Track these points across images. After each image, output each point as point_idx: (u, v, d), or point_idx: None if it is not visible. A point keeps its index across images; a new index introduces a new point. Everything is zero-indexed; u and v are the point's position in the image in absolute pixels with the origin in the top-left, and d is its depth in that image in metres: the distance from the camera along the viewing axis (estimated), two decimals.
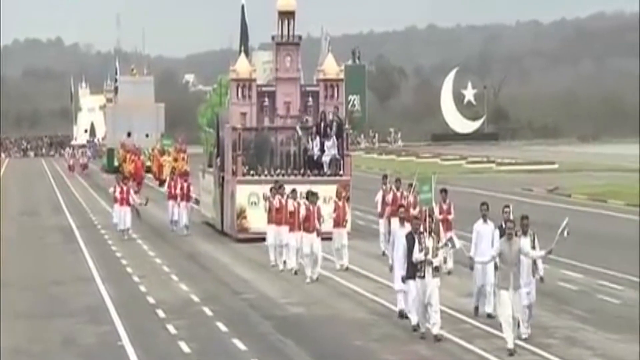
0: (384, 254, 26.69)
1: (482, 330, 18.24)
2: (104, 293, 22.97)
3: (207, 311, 20.50)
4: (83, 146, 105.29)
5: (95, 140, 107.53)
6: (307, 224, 24.13)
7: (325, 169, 32.45)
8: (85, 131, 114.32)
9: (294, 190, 25.82)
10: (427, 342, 17.44)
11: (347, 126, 33.40)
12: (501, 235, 17.23)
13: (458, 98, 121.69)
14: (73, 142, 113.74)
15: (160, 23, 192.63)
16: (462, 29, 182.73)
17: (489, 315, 18.92)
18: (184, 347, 17.31)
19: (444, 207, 24.99)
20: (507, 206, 18.12)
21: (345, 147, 32.80)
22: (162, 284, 24.33)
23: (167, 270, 26.44)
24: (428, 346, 17.22)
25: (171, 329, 18.83)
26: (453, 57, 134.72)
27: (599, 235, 32.59)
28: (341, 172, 32.47)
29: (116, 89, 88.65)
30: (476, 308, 19.50)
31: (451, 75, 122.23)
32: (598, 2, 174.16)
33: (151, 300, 21.90)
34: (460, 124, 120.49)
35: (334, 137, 32.47)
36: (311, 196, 24.48)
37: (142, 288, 23.56)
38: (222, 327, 18.88)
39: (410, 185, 26.17)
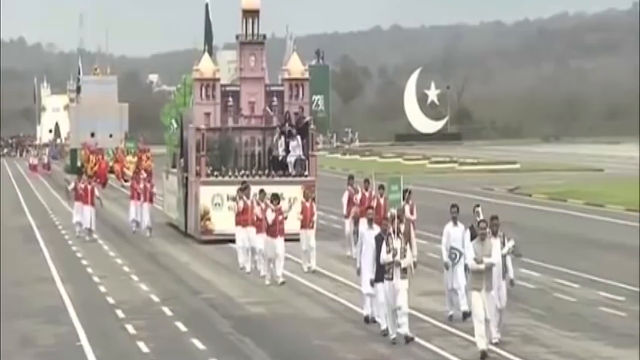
0: (349, 257, 26.48)
1: (440, 329, 18.39)
2: (63, 293, 22.92)
3: (167, 311, 20.51)
4: (46, 146, 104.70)
5: (58, 140, 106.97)
6: (274, 229, 23.55)
7: (290, 169, 32.20)
8: (50, 131, 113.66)
9: (262, 191, 25.13)
10: (386, 340, 17.55)
11: (312, 126, 33.22)
12: (472, 236, 16.83)
13: (421, 98, 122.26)
14: (36, 142, 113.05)
15: (124, 23, 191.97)
16: (426, 29, 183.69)
17: (466, 314, 18.34)
18: (143, 347, 17.32)
19: (407, 207, 25.12)
20: (478, 206, 17.92)
21: (311, 147, 32.64)
22: (122, 284, 24.31)
23: (128, 271, 26.42)
24: (387, 345, 17.32)
25: (130, 329, 18.83)
26: (417, 58, 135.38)
27: (558, 234, 32.92)
28: (306, 173, 32.23)
29: (79, 88, 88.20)
30: (451, 316, 18.88)
31: (415, 76, 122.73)
32: (561, 2, 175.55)
33: (111, 300, 21.89)
34: (424, 124, 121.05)
35: (299, 138, 32.29)
36: (275, 200, 23.91)
37: (102, 288, 23.54)
38: (182, 327, 18.91)
39: (381, 187, 26.28)
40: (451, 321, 18.64)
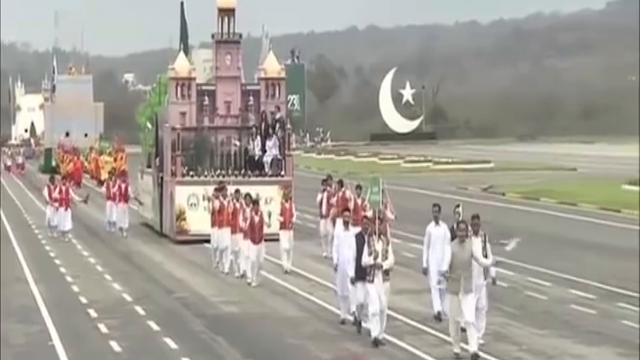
0: (325, 257, 26.38)
1: (413, 327, 18.46)
2: (36, 293, 22.85)
3: (140, 310, 20.49)
4: (20, 146, 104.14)
5: (32, 139, 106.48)
6: (253, 234, 23.09)
7: (267, 169, 32.01)
8: (26, 130, 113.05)
9: (237, 191, 25.05)
10: (360, 338, 17.60)
11: (288, 126, 33.01)
12: (452, 237, 16.65)
13: (397, 98, 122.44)
14: (11, 142, 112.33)
15: (99, 22, 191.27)
16: (402, 29, 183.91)
17: (439, 315, 18.47)
18: (115, 347, 17.30)
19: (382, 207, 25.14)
20: (458, 206, 17.57)
21: (287, 147, 32.45)
22: (95, 283, 24.26)
23: (101, 270, 26.36)
24: (360, 343, 17.38)
25: (103, 328, 18.80)
26: (392, 57, 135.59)
27: (531, 233, 33.05)
28: (283, 173, 32.05)
29: (54, 87, 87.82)
30: (439, 313, 18.54)
31: (390, 75, 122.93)
32: (536, 2, 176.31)
33: (83, 300, 21.84)
34: (399, 124, 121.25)
35: (276, 137, 32.10)
36: (254, 204, 23.46)
37: (75, 288, 23.48)
38: (154, 326, 18.89)
39: (358, 187, 26.26)
40: (440, 321, 18.28)
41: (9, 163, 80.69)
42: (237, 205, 24.30)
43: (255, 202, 23.54)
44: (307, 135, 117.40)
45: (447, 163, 72.42)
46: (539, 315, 19.65)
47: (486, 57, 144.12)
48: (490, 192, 49.71)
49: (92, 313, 20.28)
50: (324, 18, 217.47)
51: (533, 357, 16.28)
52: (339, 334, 18.15)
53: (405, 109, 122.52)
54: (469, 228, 16.14)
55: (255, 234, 23.10)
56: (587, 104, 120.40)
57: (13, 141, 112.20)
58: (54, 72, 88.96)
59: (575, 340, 17.43)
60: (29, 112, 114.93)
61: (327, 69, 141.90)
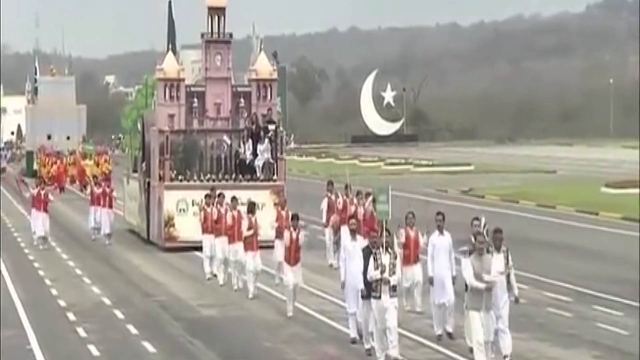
0: (331, 265, 25.72)
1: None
2: (14, 296, 22.83)
3: (118, 314, 20.53)
4: (1, 149, 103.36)
5: (12, 142, 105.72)
6: (251, 241, 22.07)
7: (258, 173, 30.98)
8: (12, 133, 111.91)
9: (234, 198, 23.82)
10: (337, 342, 17.67)
11: (281, 128, 31.81)
12: (471, 251, 15.35)
13: (378, 100, 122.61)
14: None
15: (80, 23, 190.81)
16: (383, 31, 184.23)
17: (450, 335, 17.59)
18: (93, 350, 17.34)
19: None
20: (477, 218, 16.41)
21: (280, 150, 31.35)
22: (74, 287, 24.25)
23: (79, 273, 26.35)
24: (337, 346, 17.47)
25: (81, 332, 18.83)
26: (373, 60, 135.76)
27: (508, 236, 33.16)
28: (275, 177, 30.99)
29: (35, 89, 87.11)
30: (440, 335, 17.61)
31: (371, 77, 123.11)
32: (516, 5, 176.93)
33: (62, 303, 21.85)
34: (380, 126, 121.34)
35: (267, 140, 31.07)
36: (253, 208, 22.31)
37: (54, 291, 23.48)
38: (133, 330, 18.94)
39: (359, 193, 25.49)
40: (440, 341, 17.44)
41: None
42: (235, 213, 23.23)
43: (253, 205, 22.52)
44: (292, 137, 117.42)
45: (427, 165, 72.63)
46: (516, 318, 19.72)
47: (466, 59, 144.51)
48: (469, 195, 49.88)
49: (71, 316, 20.30)
50: (305, 20, 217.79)
51: None
52: (315, 337, 18.23)
53: (386, 111, 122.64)
54: (487, 240, 15.14)
55: (253, 240, 22.06)
56: (565, 106, 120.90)
57: None
58: (35, 73, 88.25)
59: (551, 343, 17.56)
60: (15, 114, 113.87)
61: (308, 71, 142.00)
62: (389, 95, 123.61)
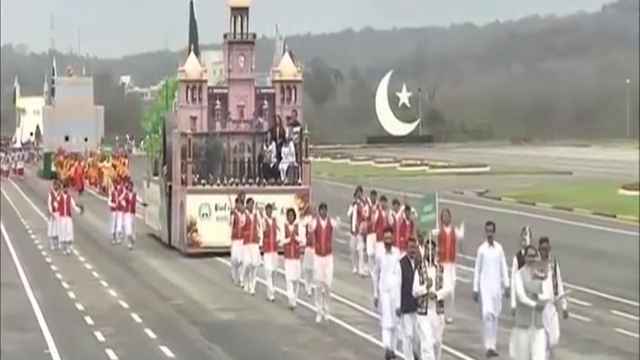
0: (359, 274, 25.35)
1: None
2: (31, 299, 22.87)
3: (136, 317, 20.53)
4: (19, 150, 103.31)
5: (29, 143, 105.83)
6: (289, 249, 21.24)
7: (283, 177, 30.27)
8: (31, 134, 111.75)
9: (269, 206, 22.93)
10: (355, 348, 17.63)
11: (306, 131, 30.85)
12: (520, 264, 14.69)
13: (393, 100, 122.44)
14: (13, 146, 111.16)
15: (95, 24, 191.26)
16: (398, 31, 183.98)
17: (492, 352, 16.60)
18: (111, 355, 17.34)
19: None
20: (525, 231, 15.55)
21: (305, 153, 30.56)
22: (91, 290, 24.27)
23: (97, 276, 26.38)
24: (354, 351, 17.44)
25: (99, 335, 18.84)
26: (388, 60, 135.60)
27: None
28: (300, 181, 30.23)
29: (53, 90, 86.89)
30: (491, 351, 16.53)
31: (386, 78, 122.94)
32: (531, 5, 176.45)
33: (80, 306, 21.87)
34: (395, 127, 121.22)
35: (292, 143, 30.35)
36: (291, 215, 21.53)
37: (72, 294, 23.51)
38: (151, 334, 18.94)
39: (383, 198, 24.89)
40: (492, 357, 16.49)
41: (4, 168, 79.49)
42: (270, 221, 22.36)
43: (291, 212, 21.70)
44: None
45: (443, 167, 72.50)
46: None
47: (481, 60, 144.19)
48: (486, 197, 49.76)
49: (89, 320, 20.31)
50: (320, 20, 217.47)
51: None
52: (333, 342, 18.20)
53: (401, 112, 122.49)
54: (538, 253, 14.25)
55: (291, 247, 21.23)
56: (581, 107, 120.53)
57: (17, 144, 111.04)
58: (53, 74, 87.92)
59: (570, 348, 17.46)
60: (35, 114, 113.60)
61: (323, 71, 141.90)
62: (404, 96, 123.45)
